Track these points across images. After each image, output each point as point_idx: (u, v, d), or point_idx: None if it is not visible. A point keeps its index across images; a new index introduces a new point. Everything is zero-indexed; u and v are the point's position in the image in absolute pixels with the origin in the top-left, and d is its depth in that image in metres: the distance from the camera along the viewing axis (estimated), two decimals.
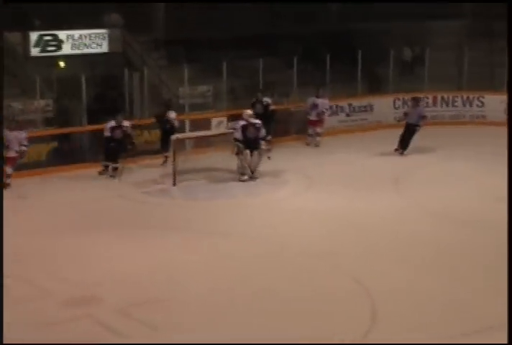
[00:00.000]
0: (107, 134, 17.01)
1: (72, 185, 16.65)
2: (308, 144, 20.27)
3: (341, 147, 19.78)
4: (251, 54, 21.94)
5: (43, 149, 17.65)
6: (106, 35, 21.05)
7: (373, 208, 14.85)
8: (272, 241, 12.92)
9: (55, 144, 17.82)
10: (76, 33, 20.61)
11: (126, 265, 11.83)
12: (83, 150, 18.22)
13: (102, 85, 20.72)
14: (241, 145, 16.72)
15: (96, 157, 17.94)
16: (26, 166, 17.01)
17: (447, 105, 23.11)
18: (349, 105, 22.25)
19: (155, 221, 14.21)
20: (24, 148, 16.15)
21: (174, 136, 16.99)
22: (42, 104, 18.53)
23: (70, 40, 20.53)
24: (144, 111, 20.40)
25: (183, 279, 11.29)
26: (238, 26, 22.81)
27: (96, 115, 18.75)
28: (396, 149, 19.10)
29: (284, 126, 20.96)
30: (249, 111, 17.24)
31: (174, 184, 16.47)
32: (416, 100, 19.74)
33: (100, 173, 17.18)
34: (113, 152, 17.08)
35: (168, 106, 18.35)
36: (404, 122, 19.32)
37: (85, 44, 20.73)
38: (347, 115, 22.01)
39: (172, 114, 17.95)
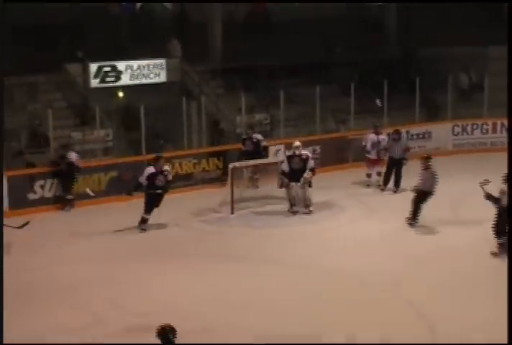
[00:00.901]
0: (142, 180, 15.41)
1: (131, 214, 16.77)
2: (368, 186, 18.89)
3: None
4: (307, 82, 21.98)
5: (102, 179, 17.85)
6: (164, 65, 21.31)
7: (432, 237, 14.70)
8: (331, 270, 12.85)
9: (114, 173, 18.01)
10: (135, 63, 20.92)
11: (184, 294, 11.85)
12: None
13: (160, 115, 20.92)
14: (285, 179, 16.49)
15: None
16: (86, 195, 17.20)
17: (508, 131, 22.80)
18: (407, 132, 22.08)
19: (213, 250, 14.23)
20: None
21: (231, 165, 17.01)
22: (101, 134, 18.78)
23: (129, 71, 20.83)
24: (202, 140, 20.53)
25: (239, 310, 11.24)
26: (294, 54, 22.93)
27: (155, 144, 18.94)
28: (382, 189, 18.28)
29: (341, 154, 20.93)
30: (298, 142, 16.73)
31: (232, 212, 16.48)
32: (397, 134, 18.37)
33: (139, 225, 15.61)
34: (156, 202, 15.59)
35: (67, 148, 17.49)
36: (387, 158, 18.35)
37: (144, 75, 21.01)
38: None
39: (72, 155, 17.18)
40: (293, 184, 16.44)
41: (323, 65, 23.37)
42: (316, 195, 16.79)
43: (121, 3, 23.37)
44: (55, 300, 11.49)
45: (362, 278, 12.48)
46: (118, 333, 10.23)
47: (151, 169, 15.36)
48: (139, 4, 23.96)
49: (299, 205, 16.56)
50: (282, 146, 18.87)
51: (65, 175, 17.05)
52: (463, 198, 17.30)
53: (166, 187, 15.55)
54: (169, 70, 21.38)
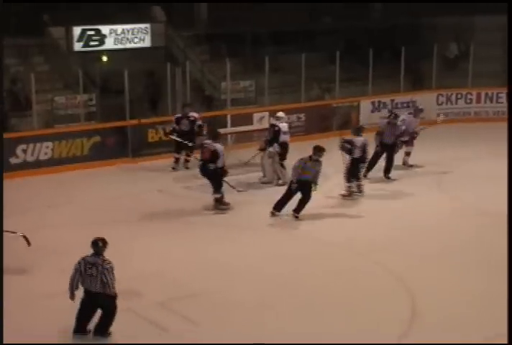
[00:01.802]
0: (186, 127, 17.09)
1: (114, 179, 16.74)
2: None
3: None
4: (293, 50, 21.87)
5: (85, 144, 17.74)
6: (149, 30, 21.08)
7: (416, 207, 14.79)
8: (316, 239, 12.91)
9: (97, 138, 17.90)
10: (119, 27, 20.67)
11: (165, 259, 11.88)
12: (125, 145, 18.28)
13: (144, 80, 20.78)
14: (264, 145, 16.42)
15: (137, 152, 18.05)
16: (69, 160, 17.11)
17: (491, 101, 22.83)
18: (392, 101, 22.06)
19: (196, 216, 14.21)
20: None
21: None
22: (84, 98, 18.63)
23: (113, 35, 20.59)
24: None
25: (223, 274, 11.29)
26: (280, 22, 22.76)
27: (138, 109, 18.83)
28: (365, 176, 16.12)
29: (326, 122, 20.89)
30: (280, 113, 16.48)
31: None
32: (395, 117, 16.91)
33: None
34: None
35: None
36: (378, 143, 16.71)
37: (128, 39, 20.78)
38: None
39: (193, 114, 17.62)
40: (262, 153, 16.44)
41: (309, 33, 23.26)
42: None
43: None
44: (39, 264, 11.46)
45: (344, 246, 12.53)
46: None
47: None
48: None
49: (270, 177, 16.37)
50: (266, 114, 18.76)
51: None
52: (449, 166, 17.42)
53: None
54: (153, 35, 21.13)
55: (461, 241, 12.75)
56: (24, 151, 17.06)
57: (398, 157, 17.14)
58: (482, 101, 22.87)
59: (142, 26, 21.00)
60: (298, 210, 13.85)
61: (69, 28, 20.10)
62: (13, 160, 16.81)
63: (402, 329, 9.63)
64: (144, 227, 13.51)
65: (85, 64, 19.62)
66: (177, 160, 17.61)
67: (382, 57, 22.36)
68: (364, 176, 15.99)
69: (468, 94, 22.73)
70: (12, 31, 18.74)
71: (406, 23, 24.58)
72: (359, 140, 15.16)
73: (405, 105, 22.15)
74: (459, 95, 22.80)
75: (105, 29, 20.46)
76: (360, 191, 15.35)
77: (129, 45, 20.78)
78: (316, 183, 13.85)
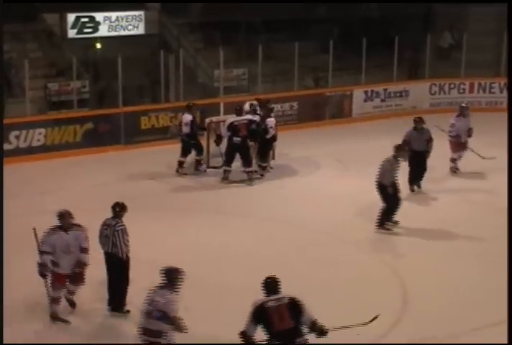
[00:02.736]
0: (186, 130, 15.88)
1: (106, 166, 16.76)
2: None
3: (376, 133, 19.59)
4: (287, 38, 21.87)
5: (78, 131, 17.76)
6: (143, 17, 21.09)
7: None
8: (308, 227, 13.00)
9: (90, 125, 17.92)
10: (113, 14, 20.66)
11: (157, 246, 11.97)
12: (118, 132, 18.31)
13: (138, 67, 20.76)
14: None
15: (130, 139, 18.08)
16: (61, 147, 17.12)
17: (484, 91, 22.88)
18: (385, 90, 22.10)
19: (187, 203, 14.26)
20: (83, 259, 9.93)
21: (208, 120, 16.96)
22: (78, 85, 18.64)
23: (107, 22, 20.60)
24: (179, 94, 20.41)
25: (215, 260, 11.39)
26: (274, 10, 22.73)
27: (132, 96, 18.85)
28: (412, 190, 15.03)
29: (319, 111, 20.92)
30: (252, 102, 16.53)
31: (207, 166, 16.48)
32: (421, 121, 15.20)
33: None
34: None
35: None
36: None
37: (122, 26, 20.78)
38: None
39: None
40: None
41: (303, 22, 23.24)
42: (292, 150, 16.83)
43: None
44: (31, 249, 11.50)
45: (336, 234, 12.60)
46: (94, 285, 10.32)
47: (189, 117, 15.89)
48: None
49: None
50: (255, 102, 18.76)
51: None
52: (438, 156, 17.45)
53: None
54: (147, 23, 21.17)
55: (452, 230, 12.82)
56: (17, 137, 17.09)
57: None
58: (475, 91, 22.91)
59: (136, 13, 21.03)
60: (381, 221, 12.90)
61: (63, 15, 20.13)
62: (6, 146, 16.79)
63: (393, 318, 9.68)
64: (135, 214, 13.47)
65: (78, 51, 19.61)
66: (181, 164, 16.48)
67: (376, 46, 22.38)
68: (412, 190, 14.94)
69: (461, 84, 22.74)
70: (6, 17, 18.69)
71: (400, 12, 24.59)
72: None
73: (398, 94, 22.20)
74: (452, 85, 22.81)
75: (99, 16, 20.47)
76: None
77: (122, 32, 20.81)
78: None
